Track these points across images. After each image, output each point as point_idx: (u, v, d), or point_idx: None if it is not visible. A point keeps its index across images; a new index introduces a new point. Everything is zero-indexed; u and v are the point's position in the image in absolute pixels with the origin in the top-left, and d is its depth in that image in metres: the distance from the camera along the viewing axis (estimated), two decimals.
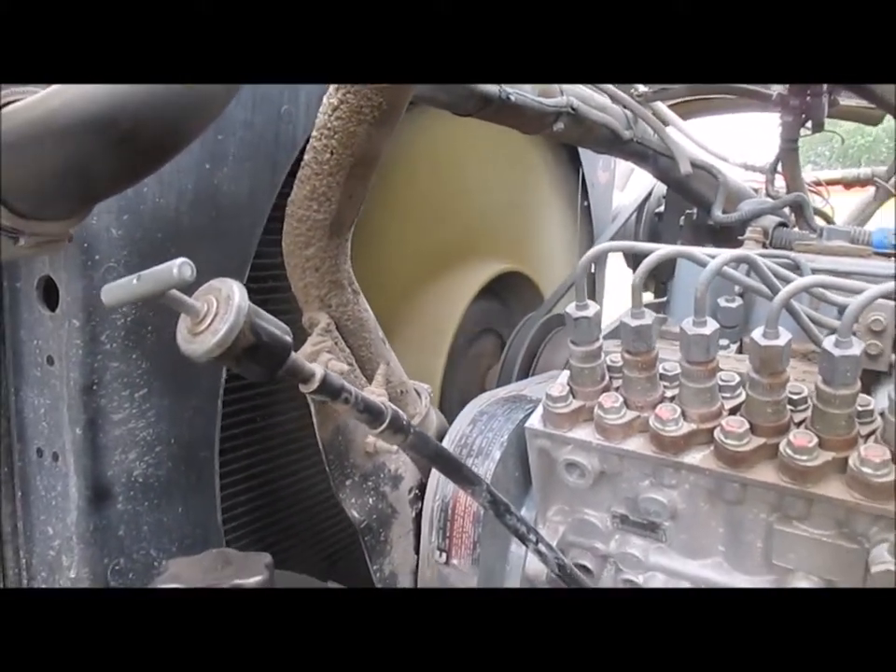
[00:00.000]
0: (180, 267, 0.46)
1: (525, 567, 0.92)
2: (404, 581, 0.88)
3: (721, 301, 1.09)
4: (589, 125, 1.19)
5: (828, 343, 0.70)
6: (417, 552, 0.90)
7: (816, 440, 0.72)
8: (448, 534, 0.87)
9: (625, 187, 2.41)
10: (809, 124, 1.55)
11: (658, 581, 0.88)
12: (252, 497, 0.98)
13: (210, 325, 0.49)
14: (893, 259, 1.06)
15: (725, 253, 0.77)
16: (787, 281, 0.81)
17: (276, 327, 0.53)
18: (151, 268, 0.46)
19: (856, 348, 0.69)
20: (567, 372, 0.88)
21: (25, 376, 0.77)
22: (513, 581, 0.92)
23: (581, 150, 1.77)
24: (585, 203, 1.87)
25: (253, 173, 0.87)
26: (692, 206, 1.66)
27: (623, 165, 2.08)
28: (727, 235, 1.31)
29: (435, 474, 0.89)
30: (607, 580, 0.91)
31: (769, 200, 1.43)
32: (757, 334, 0.72)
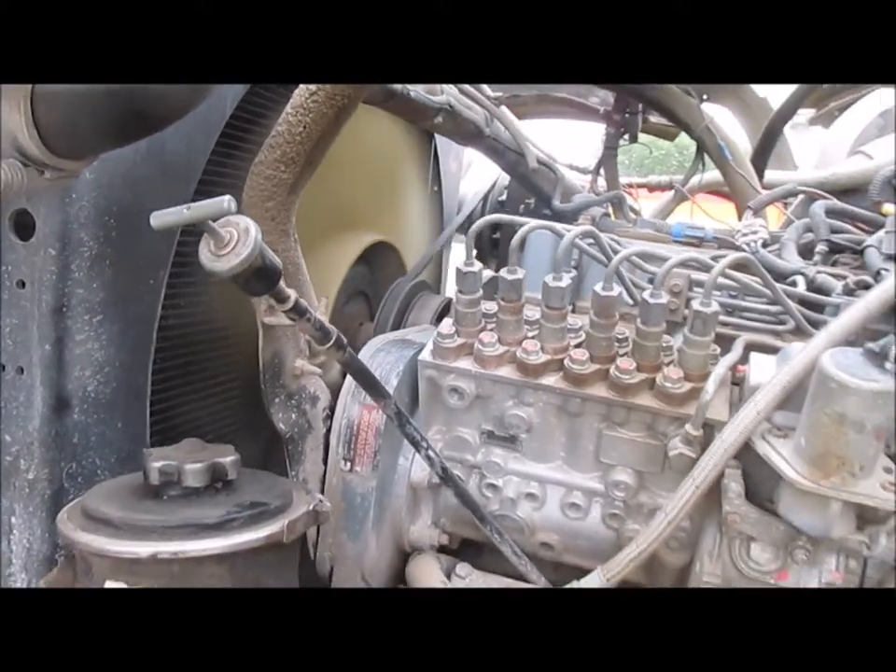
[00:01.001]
0: (229, 202, 0.62)
1: (409, 476, 1.14)
2: (314, 487, 1.06)
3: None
4: (460, 121, 1.42)
5: (645, 294, 0.97)
6: (325, 463, 1.08)
7: (635, 365, 0.99)
8: (353, 446, 1.06)
9: (465, 176, 2.69)
10: (626, 136, 1.90)
11: (513, 484, 1.13)
12: (176, 424, 1.11)
13: (233, 249, 0.66)
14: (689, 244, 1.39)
15: (576, 228, 1.03)
16: (615, 252, 1.09)
17: (273, 256, 0.70)
18: (200, 202, 0.62)
19: (664, 299, 0.97)
20: (449, 319, 1.10)
21: None
22: (401, 487, 1.13)
23: (436, 143, 2.00)
24: (436, 188, 2.11)
25: (189, 136, 1.01)
26: (530, 197, 1.94)
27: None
28: (561, 222, 1.59)
29: (342, 398, 1.08)
30: (472, 485, 1.14)
31: (594, 195, 1.74)
32: (598, 287, 0.99)
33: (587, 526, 1.11)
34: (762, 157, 1.93)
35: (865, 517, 0.88)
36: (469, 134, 1.50)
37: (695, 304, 0.95)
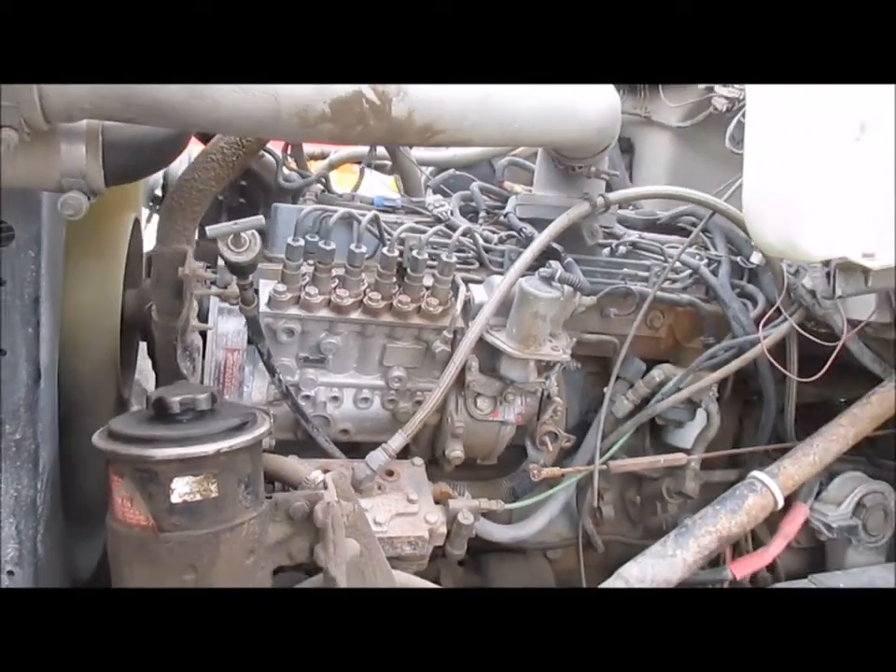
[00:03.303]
0: (259, 219, 0.98)
1: (251, 397, 1.52)
2: None
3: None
4: None
5: (413, 252, 1.52)
6: None
7: (409, 298, 1.54)
8: (222, 380, 1.41)
9: None
10: None
11: (321, 392, 1.59)
12: None
13: (249, 247, 1.02)
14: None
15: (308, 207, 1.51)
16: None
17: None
18: (246, 218, 0.98)
19: (424, 255, 1.52)
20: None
21: None
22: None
23: None
24: None
25: None
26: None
27: None
28: (285, 198, 2.00)
29: (210, 345, 1.40)
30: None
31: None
32: (352, 247, 1.49)
33: (371, 412, 1.64)
34: None
35: (541, 368, 1.59)
36: None
37: (444, 257, 1.53)
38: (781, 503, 1.40)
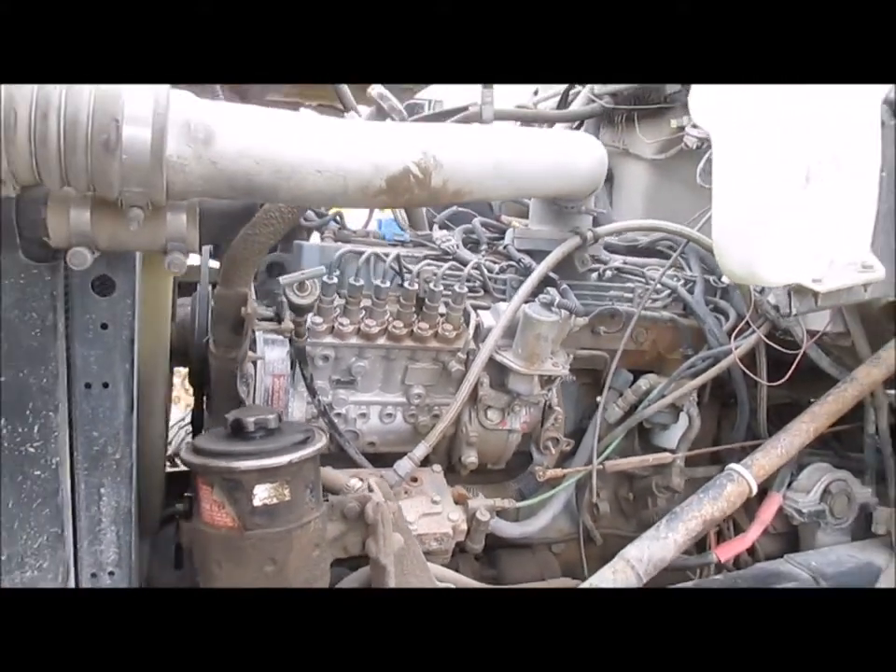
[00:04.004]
0: (322, 271, 1.19)
1: (293, 414, 1.72)
2: None
3: None
4: None
5: (430, 285, 1.74)
6: None
7: (427, 325, 1.75)
8: (270, 403, 1.62)
9: None
10: None
11: (351, 410, 1.80)
12: None
13: (311, 292, 1.23)
14: None
15: (344, 248, 1.73)
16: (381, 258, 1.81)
17: None
18: (312, 268, 1.19)
19: (440, 286, 1.74)
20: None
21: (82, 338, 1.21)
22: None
23: None
24: None
25: None
26: None
27: None
28: (302, 234, 2.21)
29: (259, 372, 1.61)
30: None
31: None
32: (377, 282, 1.71)
33: (395, 426, 1.85)
34: None
35: (543, 381, 1.82)
36: None
37: (457, 288, 1.75)
38: (755, 490, 1.63)
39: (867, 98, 1.45)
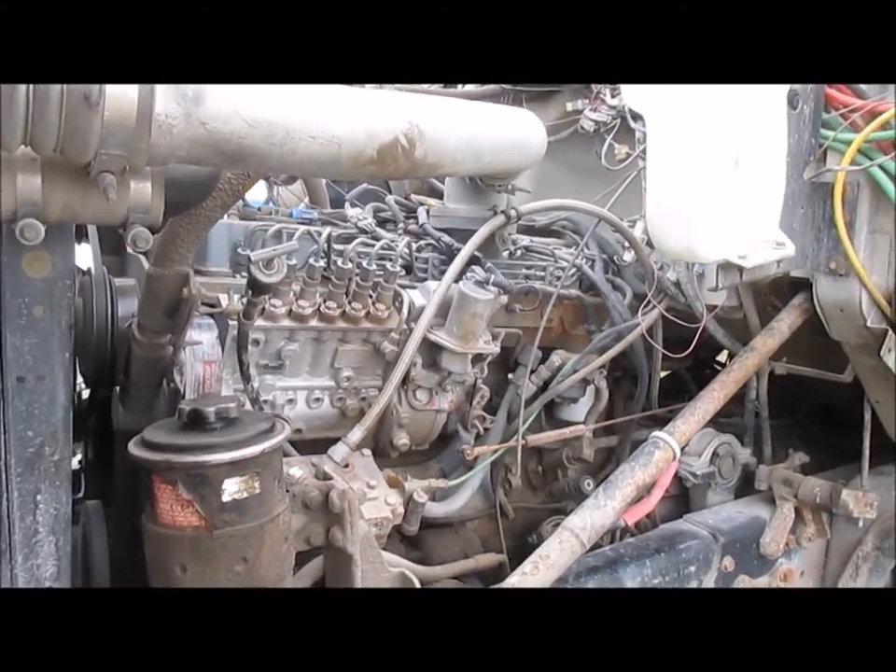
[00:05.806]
0: (296, 244, 1.12)
1: None
2: None
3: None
4: None
5: (364, 262, 1.68)
6: None
7: (360, 305, 1.69)
8: (202, 390, 1.49)
9: None
10: None
11: (279, 396, 1.70)
12: None
13: (277, 270, 1.15)
14: None
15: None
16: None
17: None
18: (284, 244, 1.11)
19: (374, 266, 1.69)
20: None
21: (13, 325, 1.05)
22: None
23: None
24: None
25: None
26: None
27: None
28: None
29: (188, 359, 1.47)
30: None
31: None
32: (311, 261, 1.64)
33: (322, 411, 1.78)
34: None
35: (474, 360, 1.82)
36: None
37: (389, 266, 1.71)
38: (679, 454, 1.74)
39: (776, 93, 1.58)
